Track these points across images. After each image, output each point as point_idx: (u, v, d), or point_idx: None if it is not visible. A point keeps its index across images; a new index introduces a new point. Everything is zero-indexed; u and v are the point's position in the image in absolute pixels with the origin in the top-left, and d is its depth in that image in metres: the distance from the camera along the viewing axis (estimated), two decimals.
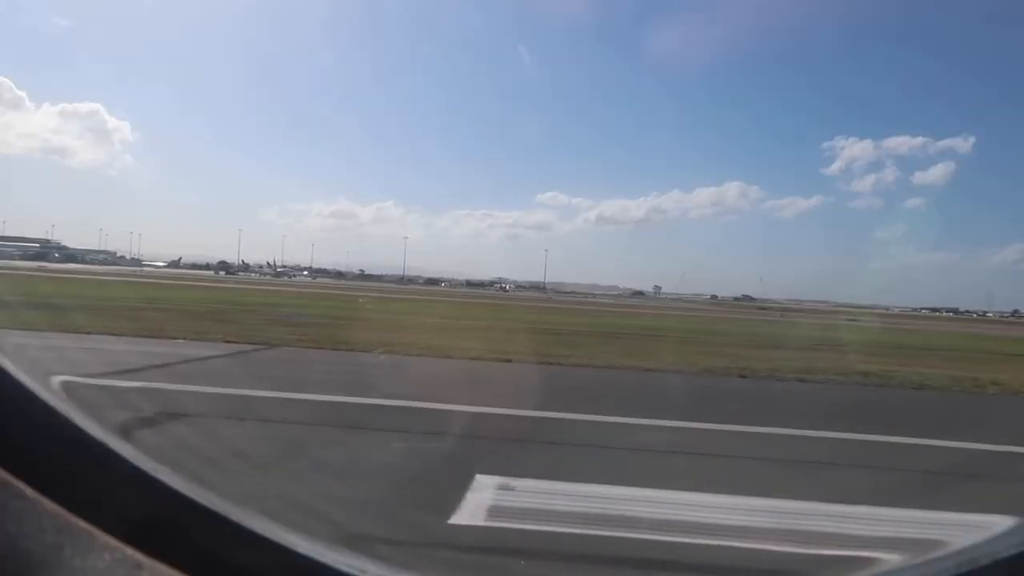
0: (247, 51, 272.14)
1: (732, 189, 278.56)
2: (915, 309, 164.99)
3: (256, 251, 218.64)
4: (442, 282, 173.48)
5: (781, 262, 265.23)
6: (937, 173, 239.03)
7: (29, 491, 0.94)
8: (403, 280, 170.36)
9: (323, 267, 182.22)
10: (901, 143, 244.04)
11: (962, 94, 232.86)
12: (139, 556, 0.96)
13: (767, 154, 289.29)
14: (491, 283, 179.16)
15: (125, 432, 6.28)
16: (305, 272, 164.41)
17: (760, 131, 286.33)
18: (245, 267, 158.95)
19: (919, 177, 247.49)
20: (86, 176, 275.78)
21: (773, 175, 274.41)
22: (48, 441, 1.02)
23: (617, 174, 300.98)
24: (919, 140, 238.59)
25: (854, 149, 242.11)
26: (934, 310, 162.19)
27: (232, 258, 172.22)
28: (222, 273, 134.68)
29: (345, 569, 1.05)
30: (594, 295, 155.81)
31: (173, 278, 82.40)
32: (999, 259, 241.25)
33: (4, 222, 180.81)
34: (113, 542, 0.95)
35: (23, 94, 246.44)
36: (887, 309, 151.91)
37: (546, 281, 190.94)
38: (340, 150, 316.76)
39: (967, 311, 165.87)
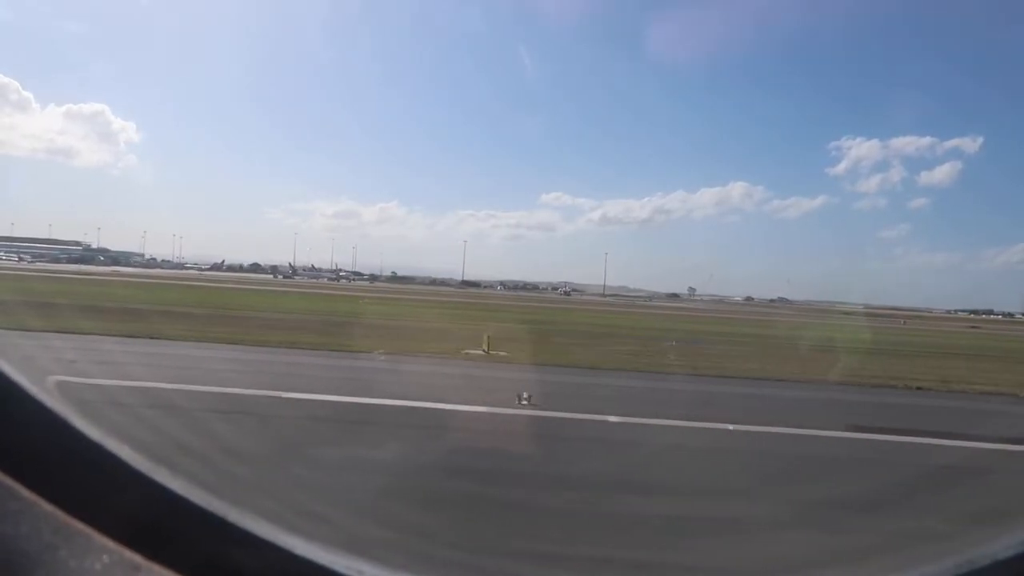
0: (251, 52, 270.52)
1: (737, 189, 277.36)
2: (948, 311, 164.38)
3: (262, 251, 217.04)
4: (498, 285, 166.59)
5: (790, 263, 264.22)
6: (944, 173, 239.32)
7: (26, 492, 0.95)
8: (463, 283, 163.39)
9: (347, 269, 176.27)
10: (908, 143, 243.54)
11: (971, 94, 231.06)
12: (136, 558, 0.97)
13: (772, 154, 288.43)
14: (524, 285, 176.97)
15: None
16: (366, 277, 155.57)
17: (765, 131, 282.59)
18: (293, 271, 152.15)
19: (925, 177, 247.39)
20: (90, 176, 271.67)
21: (778, 175, 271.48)
22: (45, 442, 1.02)
23: (621, 175, 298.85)
24: (927, 140, 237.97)
25: (861, 149, 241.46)
26: (973, 312, 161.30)
27: (243, 259, 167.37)
28: (280, 277, 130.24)
29: (343, 571, 1.05)
30: (650, 298, 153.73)
31: (254, 283, 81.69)
32: (1002, 260, 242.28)
33: (51, 225, 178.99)
34: (110, 543, 0.96)
35: (29, 95, 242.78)
36: (930, 311, 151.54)
37: (567, 283, 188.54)
38: (343, 150, 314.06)
39: (1009, 313, 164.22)
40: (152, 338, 16.75)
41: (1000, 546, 1.06)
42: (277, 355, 15.87)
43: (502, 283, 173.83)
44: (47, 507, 0.95)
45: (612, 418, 9.84)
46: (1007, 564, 1.04)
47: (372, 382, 12.61)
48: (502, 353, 18.28)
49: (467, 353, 18.34)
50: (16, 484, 0.95)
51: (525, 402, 10.50)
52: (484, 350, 18.67)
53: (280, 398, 10.11)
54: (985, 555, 1.05)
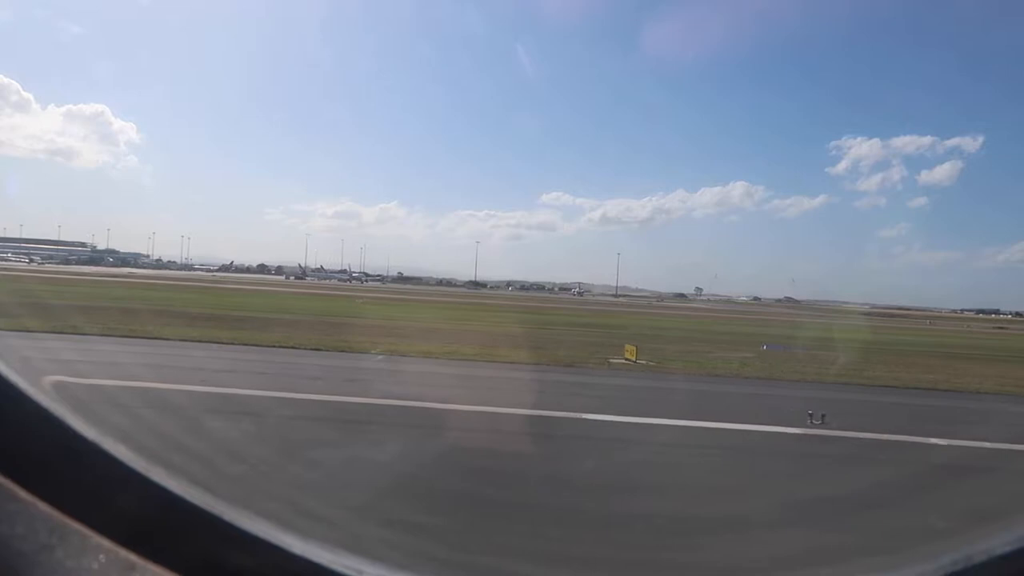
0: (251, 52, 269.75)
1: (737, 188, 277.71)
2: (955, 311, 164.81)
3: (264, 252, 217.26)
4: (507, 286, 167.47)
5: (791, 262, 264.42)
6: (944, 172, 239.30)
7: (23, 493, 0.94)
8: (470, 284, 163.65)
9: (357, 270, 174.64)
10: (909, 142, 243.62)
11: (972, 93, 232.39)
12: (132, 557, 0.96)
13: (773, 154, 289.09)
14: (532, 285, 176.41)
15: None
16: (378, 277, 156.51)
17: (766, 131, 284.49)
18: (303, 272, 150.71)
19: (925, 176, 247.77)
20: (91, 177, 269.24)
21: (779, 175, 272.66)
22: (42, 443, 1.01)
23: (621, 174, 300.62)
24: (927, 139, 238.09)
25: (861, 148, 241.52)
26: (980, 311, 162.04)
27: (245, 260, 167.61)
28: (291, 278, 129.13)
29: (341, 570, 1.04)
30: (660, 298, 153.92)
31: (273, 285, 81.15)
32: (1003, 258, 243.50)
33: (60, 227, 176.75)
34: (106, 543, 0.95)
35: (30, 96, 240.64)
36: (938, 311, 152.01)
37: (580, 284, 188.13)
38: (343, 150, 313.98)
39: (1018, 312, 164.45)
40: (275, 347, 16.38)
41: (997, 542, 1.04)
42: (454, 367, 15.03)
43: (510, 283, 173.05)
44: (44, 507, 0.94)
45: (936, 440, 9.12)
46: (1004, 560, 1.03)
47: (607, 399, 11.80)
48: (651, 363, 17.56)
49: (613, 363, 17.64)
50: (13, 485, 0.93)
51: (818, 422, 9.76)
52: (630, 359, 17.99)
53: (555, 417, 9.40)
54: (982, 551, 1.03)
